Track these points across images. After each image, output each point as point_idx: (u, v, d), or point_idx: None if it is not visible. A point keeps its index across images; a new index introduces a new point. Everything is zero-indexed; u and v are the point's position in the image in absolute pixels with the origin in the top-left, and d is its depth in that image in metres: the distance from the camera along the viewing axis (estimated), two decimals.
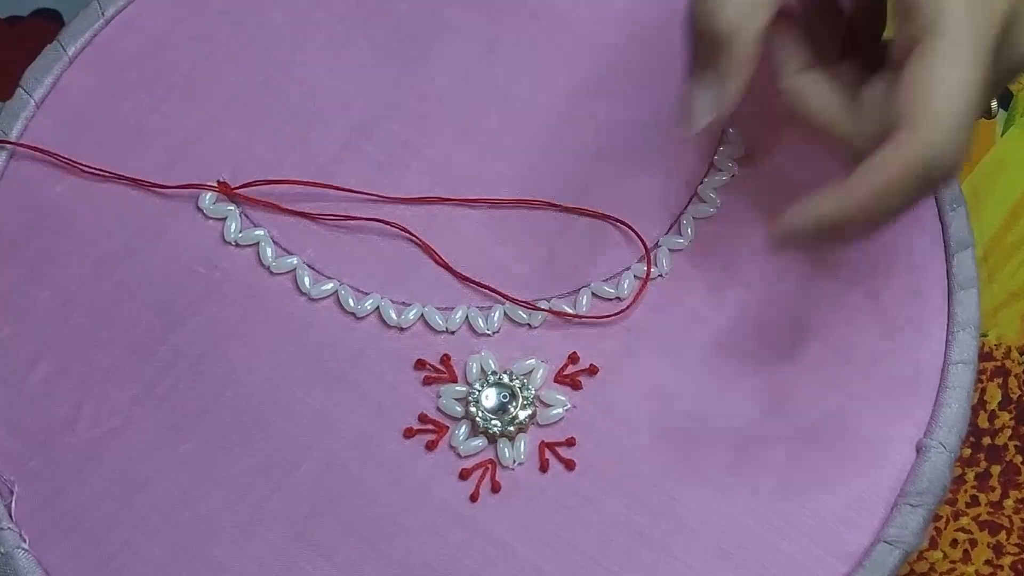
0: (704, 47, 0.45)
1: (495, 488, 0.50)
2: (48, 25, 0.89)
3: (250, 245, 0.53)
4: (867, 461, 0.51)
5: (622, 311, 0.52)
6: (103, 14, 0.57)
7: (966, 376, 0.52)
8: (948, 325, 0.53)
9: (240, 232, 0.53)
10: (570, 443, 0.51)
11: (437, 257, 0.53)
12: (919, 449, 0.51)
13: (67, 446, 0.50)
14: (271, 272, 0.53)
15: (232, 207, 0.54)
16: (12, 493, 0.50)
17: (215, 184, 0.54)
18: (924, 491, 0.50)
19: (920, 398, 0.52)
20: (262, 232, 0.53)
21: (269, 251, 0.53)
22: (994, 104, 0.57)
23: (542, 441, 0.51)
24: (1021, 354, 0.72)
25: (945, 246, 0.54)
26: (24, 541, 0.49)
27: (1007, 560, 0.69)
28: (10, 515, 0.50)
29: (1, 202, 0.54)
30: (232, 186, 0.54)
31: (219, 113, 0.55)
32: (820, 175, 0.54)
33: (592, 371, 0.52)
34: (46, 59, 0.56)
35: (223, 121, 0.55)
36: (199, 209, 0.54)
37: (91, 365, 0.51)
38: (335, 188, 0.54)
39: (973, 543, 0.70)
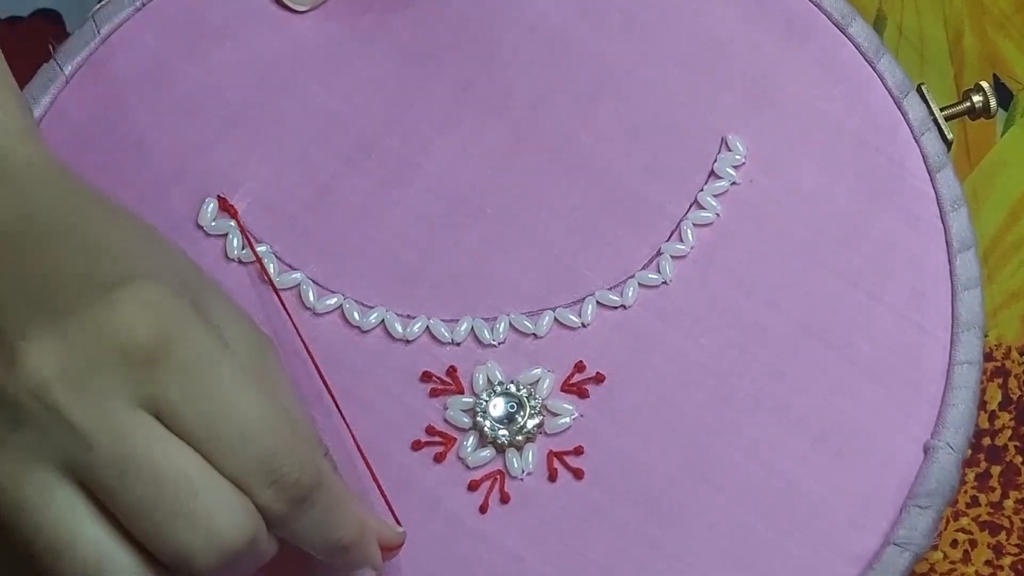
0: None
1: (504, 499, 0.50)
2: (48, 25, 0.88)
3: (252, 262, 0.53)
4: (874, 463, 0.51)
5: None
6: (99, 32, 0.57)
7: (972, 376, 0.52)
8: (952, 326, 0.53)
9: (243, 248, 0.53)
10: (578, 452, 0.51)
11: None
12: (926, 450, 0.51)
13: None
14: (274, 287, 0.53)
15: (233, 223, 0.54)
16: None
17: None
18: (933, 492, 0.50)
19: (926, 399, 0.52)
20: (264, 248, 0.53)
21: (272, 267, 0.53)
22: (994, 104, 0.57)
23: (550, 450, 0.51)
24: (1021, 354, 0.73)
25: (948, 247, 0.54)
26: None
27: (1007, 560, 0.70)
28: None
29: None
30: (231, 203, 0.54)
31: (218, 132, 0.55)
32: (820, 179, 0.55)
33: (599, 379, 0.52)
34: (43, 78, 0.56)
35: (222, 140, 0.55)
36: (199, 227, 0.53)
37: None
38: None
39: (973, 543, 0.70)
